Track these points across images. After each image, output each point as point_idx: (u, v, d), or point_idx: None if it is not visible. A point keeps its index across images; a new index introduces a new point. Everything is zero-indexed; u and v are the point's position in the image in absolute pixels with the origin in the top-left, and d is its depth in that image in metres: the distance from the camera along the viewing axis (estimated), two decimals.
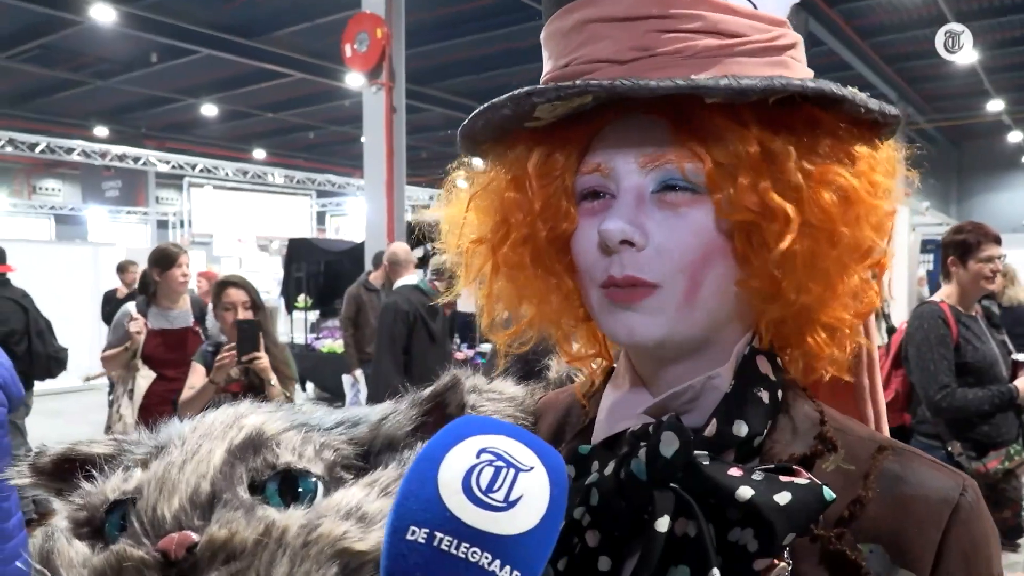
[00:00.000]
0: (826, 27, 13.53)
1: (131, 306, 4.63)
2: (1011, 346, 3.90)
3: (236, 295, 3.90)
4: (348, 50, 8.76)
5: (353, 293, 7.37)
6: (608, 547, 0.75)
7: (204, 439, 0.70)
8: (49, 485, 0.76)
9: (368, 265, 8.26)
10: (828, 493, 0.68)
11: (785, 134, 0.72)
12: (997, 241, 3.68)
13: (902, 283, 8.92)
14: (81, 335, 10.57)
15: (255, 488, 0.67)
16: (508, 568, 0.57)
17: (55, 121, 21.16)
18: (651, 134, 0.73)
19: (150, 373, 4.44)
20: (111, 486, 0.69)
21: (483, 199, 0.85)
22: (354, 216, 20.35)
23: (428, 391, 0.78)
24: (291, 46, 15.34)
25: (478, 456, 0.61)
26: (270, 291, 13.58)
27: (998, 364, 3.66)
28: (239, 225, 17.90)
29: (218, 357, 3.68)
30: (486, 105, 0.75)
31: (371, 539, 0.63)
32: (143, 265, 5.14)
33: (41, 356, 5.74)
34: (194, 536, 0.60)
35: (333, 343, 10.62)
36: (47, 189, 27.79)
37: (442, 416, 0.76)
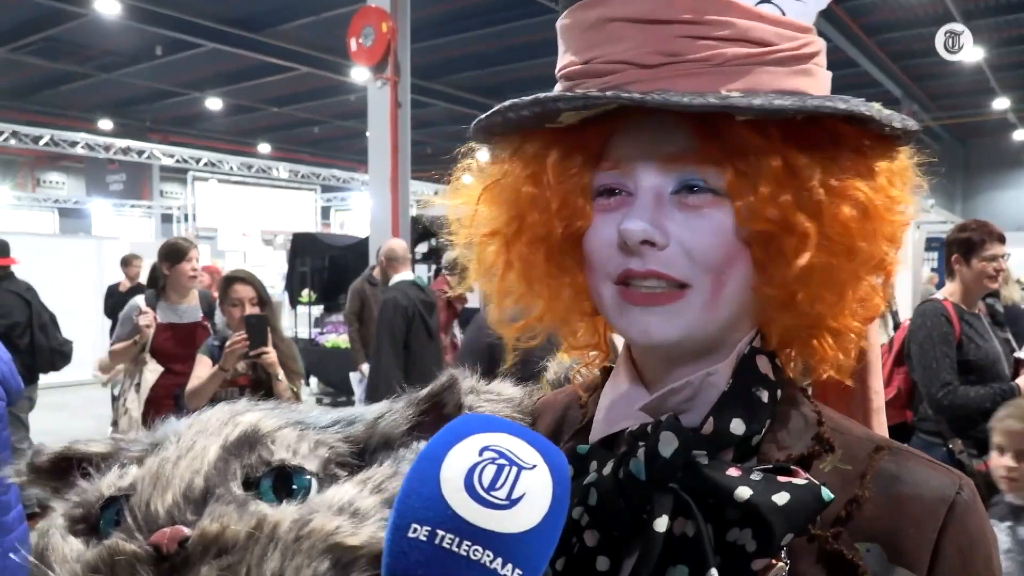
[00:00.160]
0: (832, 24, 13.49)
1: (140, 300, 4.63)
2: (1014, 344, 3.89)
3: (243, 291, 3.89)
4: (353, 44, 8.75)
5: (357, 288, 7.37)
6: (606, 547, 0.75)
7: (199, 435, 0.70)
8: (47, 484, 0.76)
9: (372, 260, 8.25)
10: (826, 493, 0.68)
11: (810, 150, 0.71)
12: (1001, 240, 3.68)
13: (906, 280, 8.91)
14: (85, 329, 10.58)
15: (249, 484, 0.67)
16: (510, 566, 0.57)
17: (59, 114, 21.20)
18: (672, 135, 0.72)
19: (157, 367, 4.44)
20: (106, 483, 0.69)
21: (496, 192, 0.85)
22: (359, 211, 20.34)
23: (425, 391, 0.78)
24: (296, 40, 15.34)
25: (480, 454, 0.61)
26: (274, 286, 13.58)
27: (1000, 362, 3.65)
28: (243, 219, 17.88)
29: (228, 342, 3.67)
30: (508, 104, 0.74)
31: (363, 534, 0.63)
32: (147, 259, 5.15)
33: (44, 349, 5.76)
34: (186, 530, 0.60)
35: (337, 338, 10.62)
36: (51, 182, 27.87)
37: (439, 416, 0.76)
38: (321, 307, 12.66)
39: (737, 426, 0.73)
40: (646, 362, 0.82)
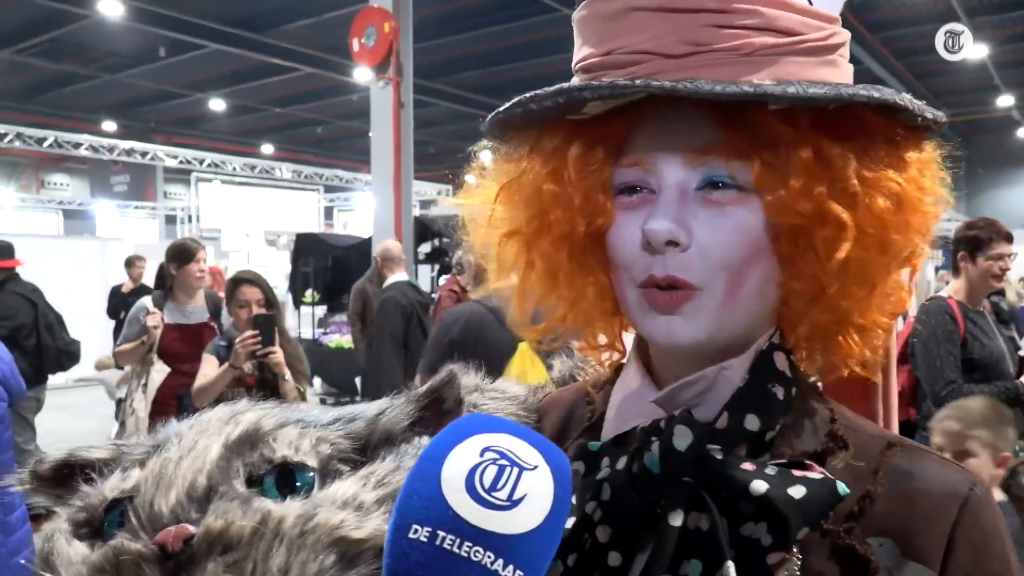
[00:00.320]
0: None
1: (147, 300, 4.65)
2: (1020, 342, 3.88)
3: (250, 292, 3.90)
4: (356, 44, 8.74)
5: (360, 288, 7.37)
6: (619, 542, 0.74)
7: (201, 435, 0.70)
8: (50, 491, 0.76)
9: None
10: (842, 487, 0.68)
11: (842, 140, 0.70)
12: (1009, 239, 3.67)
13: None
14: (90, 330, 10.58)
15: (252, 482, 0.67)
16: (511, 567, 0.57)
17: (63, 115, 21.22)
18: (697, 129, 0.71)
19: (164, 367, 4.45)
20: (109, 486, 0.69)
21: (515, 190, 0.83)
22: (362, 211, 20.38)
23: (425, 387, 0.78)
24: (299, 40, 15.34)
25: (482, 455, 0.61)
26: (278, 286, 13.59)
27: (1005, 360, 3.64)
28: (247, 220, 17.93)
29: (239, 339, 3.68)
30: (530, 95, 0.72)
31: (368, 527, 0.63)
32: (151, 260, 5.16)
33: (50, 350, 5.77)
34: (191, 528, 0.60)
35: (341, 338, 10.63)
36: (55, 184, 27.90)
37: (439, 411, 0.77)
38: (324, 307, 12.67)
39: (752, 422, 0.73)
40: (666, 362, 0.80)
